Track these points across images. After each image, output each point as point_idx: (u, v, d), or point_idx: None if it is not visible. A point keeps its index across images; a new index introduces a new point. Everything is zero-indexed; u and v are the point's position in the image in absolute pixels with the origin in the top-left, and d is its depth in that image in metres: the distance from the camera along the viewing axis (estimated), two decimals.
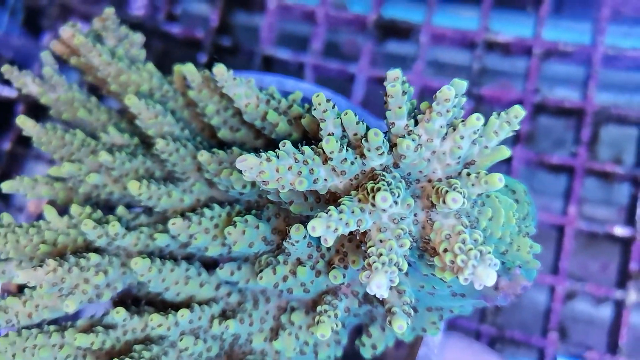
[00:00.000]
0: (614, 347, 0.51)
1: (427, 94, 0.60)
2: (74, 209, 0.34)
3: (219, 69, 0.32)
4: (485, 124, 0.29)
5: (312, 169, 0.27)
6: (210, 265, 0.36)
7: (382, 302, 0.32)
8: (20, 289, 0.39)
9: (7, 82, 0.61)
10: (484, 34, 0.60)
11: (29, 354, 0.33)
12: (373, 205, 0.26)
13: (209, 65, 0.61)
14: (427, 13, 0.61)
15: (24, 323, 0.34)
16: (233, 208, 0.34)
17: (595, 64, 0.58)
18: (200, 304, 0.33)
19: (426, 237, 0.28)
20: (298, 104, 0.34)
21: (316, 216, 0.25)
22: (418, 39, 0.61)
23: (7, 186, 0.37)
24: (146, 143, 0.38)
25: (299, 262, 0.31)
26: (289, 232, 0.33)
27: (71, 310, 0.31)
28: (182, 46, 0.65)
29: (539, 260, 0.33)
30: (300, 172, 0.27)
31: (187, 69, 0.35)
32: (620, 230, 0.52)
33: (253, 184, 0.33)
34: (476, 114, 0.27)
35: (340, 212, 0.26)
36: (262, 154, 0.27)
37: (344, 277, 0.30)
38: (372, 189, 0.26)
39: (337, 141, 0.27)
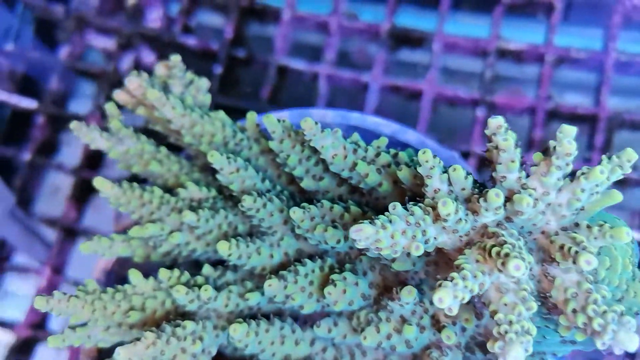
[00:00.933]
0: None
1: (439, 102, 0.60)
2: (162, 273, 0.33)
3: (308, 123, 0.31)
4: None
5: (425, 231, 0.26)
6: (296, 317, 0.35)
7: (487, 352, 0.31)
8: (99, 352, 0.38)
9: (26, 93, 0.62)
10: (496, 42, 0.59)
11: None
12: (500, 270, 0.24)
13: (223, 77, 0.60)
14: (439, 22, 0.60)
15: None
16: (324, 262, 0.32)
17: (607, 70, 0.57)
18: None
19: (545, 293, 0.26)
20: (384, 150, 0.33)
21: (440, 285, 0.24)
22: (431, 48, 0.60)
23: (85, 248, 0.35)
24: (224, 194, 0.36)
25: (403, 320, 0.30)
26: (385, 286, 0.32)
27: None
28: (198, 58, 0.64)
29: None
30: (415, 236, 0.26)
31: (269, 120, 0.33)
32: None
33: (346, 237, 0.32)
34: (599, 167, 0.26)
35: (464, 278, 0.24)
36: (377, 221, 0.25)
37: (456, 335, 0.29)
38: (498, 253, 0.24)
39: (453, 203, 0.25)
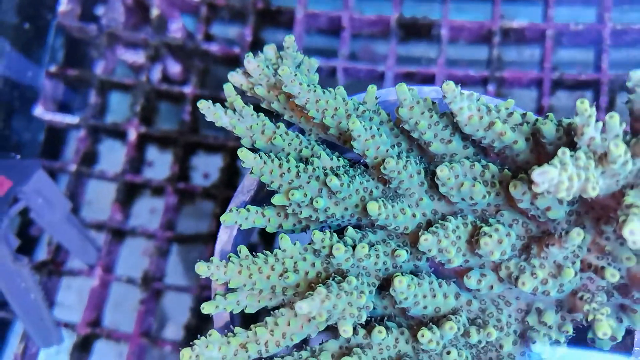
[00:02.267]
0: None
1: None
2: (317, 235, 0.34)
3: (449, 86, 0.32)
4: None
5: (591, 174, 0.27)
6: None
7: (627, 294, 0.33)
8: (232, 319, 0.39)
9: (66, 110, 0.66)
10: (500, 21, 0.63)
11: None
12: None
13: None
14: (444, 9, 0.64)
15: (272, 351, 0.34)
16: (466, 219, 0.34)
17: (605, 39, 0.61)
18: (445, 315, 0.33)
19: None
20: (523, 114, 0.34)
21: (629, 219, 0.25)
22: (439, 33, 0.63)
23: (227, 218, 0.36)
24: (354, 164, 0.37)
25: (559, 265, 0.31)
26: (530, 237, 0.33)
27: (349, 335, 0.31)
28: (221, 63, 0.67)
29: None
30: (588, 179, 0.27)
31: (401, 89, 0.35)
32: None
33: (489, 193, 0.33)
34: None
35: (636, 206, 0.26)
36: (557, 164, 0.26)
37: (615, 277, 0.30)
38: None
39: (624, 144, 0.27)
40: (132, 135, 0.64)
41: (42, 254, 0.65)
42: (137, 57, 0.67)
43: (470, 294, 0.34)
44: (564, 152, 0.28)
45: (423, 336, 0.31)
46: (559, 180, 0.26)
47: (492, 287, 0.33)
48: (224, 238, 0.40)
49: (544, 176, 0.26)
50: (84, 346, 0.59)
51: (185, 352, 0.32)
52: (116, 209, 0.63)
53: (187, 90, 0.65)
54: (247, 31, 0.65)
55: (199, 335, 0.33)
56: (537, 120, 0.34)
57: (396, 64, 0.63)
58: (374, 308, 0.35)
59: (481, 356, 0.34)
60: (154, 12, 0.65)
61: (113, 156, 0.69)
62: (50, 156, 0.66)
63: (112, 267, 0.62)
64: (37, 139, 0.66)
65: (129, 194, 0.65)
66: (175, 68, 0.67)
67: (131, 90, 0.65)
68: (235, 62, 0.65)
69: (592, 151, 0.28)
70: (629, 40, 0.63)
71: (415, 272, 0.35)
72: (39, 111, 0.65)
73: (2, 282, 0.55)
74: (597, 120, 0.28)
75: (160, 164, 0.68)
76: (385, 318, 0.35)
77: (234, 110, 0.39)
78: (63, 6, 0.66)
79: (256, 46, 0.66)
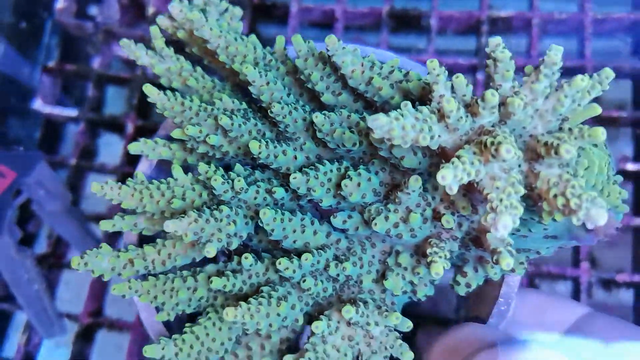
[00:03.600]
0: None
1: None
2: (201, 167, 0.36)
3: (332, 39, 0.34)
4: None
5: (430, 127, 0.29)
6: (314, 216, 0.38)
7: (480, 245, 0.35)
8: (140, 241, 0.42)
9: (64, 105, 0.68)
10: (488, 11, 0.64)
11: (167, 296, 0.36)
12: (494, 157, 0.28)
13: None
14: (434, 0, 0.66)
15: (158, 270, 0.37)
16: (341, 164, 0.36)
17: (587, 27, 0.63)
18: (316, 249, 0.36)
19: (531, 186, 0.30)
20: (397, 69, 0.36)
21: (443, 167, 0.27)
22: (429, 23, 0.65)
23: (133, 147, 0.39)
24: (253, 108, 0.40)
25: (409, 210, 0.33)
26: (394, 185, 0.35)
27: (212, 255, 0.34)
28: None
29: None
30: (422, 130, 0.29)
31: (296, 40, 0.37)
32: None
33: (361, 142, 0.35)
34: (580, 76, 0.29)
35: (463, 162, 0.28)
36: (391, 114, 0.28)
37: (454, 223, 0.32)
38: (492, 142, 0.28)
39: (456, 102, 0.29)
40: (130, 128, 0.65)
41: (40, 249, 0.67)
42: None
43: (342, 234, 0.37)
44: (405, 105, 0.30)
45: (280, 264, 0.34)
46: (390, 127, 0.28)
47: (357, 228, 0.36)
48: (142, 169, 0.43)
49: (375, 123, 0.28)
50: (86, 336, 0.61)
51: (75, 259, 0.35)
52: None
53: None
54: (244, 24, 0.66)
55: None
56: (417, 79, 0.36)
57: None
58: (251, 240, 0.38)
59: (344, 290, 0.37)
60: (150, 9, 0.67)
61: (111, 149, 0.70)
62: (49, 150, 0.68)
63: None
64: (34, 135, 0.67)
65: None
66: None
67: (127, 84, 0.67)
68: None
69: (437, 109, 0.30)
70: (608, 29, 0.64)
71: (293, 209, 0.37)
72: (37, 104, 0.67)
73: (6, 273, 0.57)
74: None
75: None
76: (261, 250, 0.38)
77: (154, 50, 0.41)
78: (60, 4, 0.68)
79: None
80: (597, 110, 0.31)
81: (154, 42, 0.41)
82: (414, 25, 0.66)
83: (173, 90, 0.41)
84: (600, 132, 0.28)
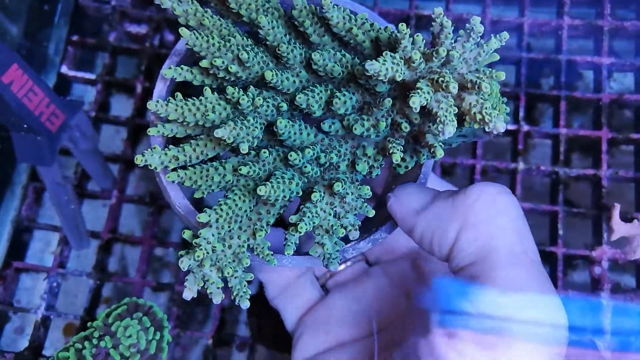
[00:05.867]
0: None
1: None
2: (229, 90, 0.48)
3: (326, 1, 0.47)
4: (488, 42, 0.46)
5: (401, 68, 0.44)
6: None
7: (418, 142, 0.51)
8: (166, 143, 0.54)
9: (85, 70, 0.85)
10: (415, 10, 0.84)
11: (204, 180, 0.49)
12: (442, 89, 0.43)
13: None
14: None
15: (194, 161, 0.50)
16: (327, 87, 0.50)
17: (486, 26, 0.81)
18: (307, 146, 0.50)
19: (459, 107, 0.46)
20: (366, 20, 0.50)
21: (412, 95, 0.43)
22: None
23: (167, 72, 0.50)
24: (261, 45, 0.52)
25: (378, 120, 0.49)
26: (365, 102, 0.50)
27: (245, 151, 0.47)
28: None
29: None
30: (397, 70, 0.44)
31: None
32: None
33: (342, 72, 0.49)
34: (494, 37, 0.45)
35: (421, 89, 0.43)
36: (380, 59, 0.43)
37: (407, 129, 0.48)
38: (442, 80, 0.43)
39: (419, 53, 0.44)
40: (139, 88, 0.81)
41: (34, 258, 0.81)
42: (141, 29, 0.85)
43: (324, 135, 0.52)
44: (386, 53, 0.44)
45: (291, 156, 0.48)
46: (379, 69, 0.43)
47: (337, 131, 0.51)
48: (160, 87, 0.54)
49: (371, 66, 0.42)
50: (106, 248, 0.76)
51: (137, 157, 0.47)
52: (127, 145, 0.80)
53: None
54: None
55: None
56: (379, 29, 0.50)
57: None
58: (262, 140, 0.51)
59: (326, 173, 0.52)
60: None
61: (123, 105, 0.87)
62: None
63: (124, 189, 0.78)
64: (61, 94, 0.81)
65: (136, 133, 0.81)
66: (170, 37, 0.85)
67: (137, 54, 0.83)
68: None
69: (404, 55, 0.45)
70: (501, 28, 0.82)
71: (291, 119, 0.51)
72: (64, 69, 0.82)
73: (51, 194, 0.69)
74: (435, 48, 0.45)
75: None
76: (269, 146, 0.52)
77: None
78: None
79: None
80: (496, 57, 0.48)
81: None
82: None
83: (189, 27, 0.52)
84: (502, 75, 0.45)
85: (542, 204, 0.71)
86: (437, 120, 0.44)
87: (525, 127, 0.77)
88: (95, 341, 0.50)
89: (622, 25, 0.77)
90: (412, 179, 0.57)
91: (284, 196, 0.48)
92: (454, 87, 0.43)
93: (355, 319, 0.57)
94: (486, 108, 0.44)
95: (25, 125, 0.63)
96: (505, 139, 0.81)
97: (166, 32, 0.85)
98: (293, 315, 0.59)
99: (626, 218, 0.69)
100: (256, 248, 0.51)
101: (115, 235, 0.76)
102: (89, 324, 0.53)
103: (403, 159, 0.53)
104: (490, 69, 0.46)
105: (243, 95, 0.48)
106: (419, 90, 0.43)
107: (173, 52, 0.55)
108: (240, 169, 0.48)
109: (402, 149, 0.48)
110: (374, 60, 0.43)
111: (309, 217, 0.49)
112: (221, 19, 0.53)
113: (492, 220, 0.42)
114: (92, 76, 0.83)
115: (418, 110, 0.43)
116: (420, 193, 0.50)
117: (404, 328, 0.54)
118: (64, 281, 0.75)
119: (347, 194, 0.50)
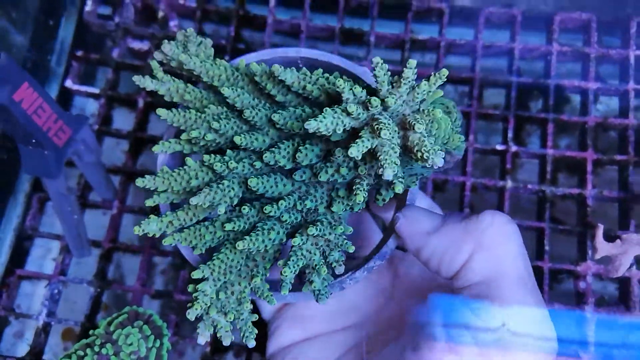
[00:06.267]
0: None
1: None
2: (205, 157, 0.54)
3: (277, 68, 0.52)
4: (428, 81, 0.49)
5: (342, 120, 0.48)
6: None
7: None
8: (172, 207, 0.60)
9: (88, 84, 0.90)
10: (410, 34, 0.86)
11: (198, 239, 0.55)
12: (379, 135, 0.47)
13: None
14: (372, 24, 0.87)
15: (188, 224, 0.56)
16: (294, 141, 0.55)
17: (478, 51, 0.84)
18: (285, 195, 0.55)
19: (405, 145, 0.49)
20: (321, 76, 0.54)
21: (351, 146, 0.46)
22: (369, 39, 0.86)
23: (157, 148, 0.57)
24: (233, 112, 0.58)
25: (339, 165, 0.53)
26: (327, 150, 0.54)
27: (222, 212, 0.53)
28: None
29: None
30: (337, 124, 0.48)
31: (253, 67, 0.54)
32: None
33: (302, 127, 0.54)
34: (424, 81, 0.48)
35: (363, 139, 0.47)
36: (319, 117, 0.47)
37: (365, 169, 0.52)
38: (378, 127, 0.47)
39: (355, 105, 0.48)
40: (141, 103, 0.85)
41: (34, 265, 0.85)
42: (143, 46, 0.89)
43: (301, 183, 0.56)
44: (325, 110, 0.48)
45: (266, 209, 0.53)
46: (317, 126, 0.47)
47: (310, 178, 0.55)
48: (161, 159, 0.61)
49: (309, 125, 0.47)
50: (106, 257, 0.80)
51: (135, 228, 0.54)
52: (129, 157, 0.84)
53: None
54: (231, 30, 0.87)
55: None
56: (333, 83, 0.54)
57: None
58: (244, 196, 0.57)
59: (308, 216, 0.56)
60: (160, 14, 0.88)
61: (125, 119, 0.90)
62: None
63: (125, 200, 0.83)
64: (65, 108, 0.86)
65: (137, 146, 0.85)
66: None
67: (139, 70, 0.87)
68: (223, 51, 0.87)
69: (345, 107, 0.49)
70: (492, 52, 0.86)
71: (268, 173, 0.56)
72: (68, 83, 0.86)
73: (56, 204, 0.73)
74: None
75: (162, 124, 0.92)
76: (253, 200, 0.57)
77: (157, 78, 0.58)
78: (88, 7, 0.88)
79: (237, 41, 0.88)
80: (440, 92, 0.50)
81: (155, 72, 0.58)
82: (358, 40, 0.88)
83: (174, 105, 0.59)
84: (438, 113, 0.48)
85: (529, 221, 0.72)
86: (379, 164, 0.47)
87: (514, 148, 0.78)
88: (97, 348, 0.53)
89: (607, 52, 0.80)
90: (403, 204, 0.60)
91: (266, 245, 0.53)
92: (384, 134, 0.46)
93: (333, 315, 0.62)
94: (425, 146, 0.47)
95: (33, 140, 0.63)
96: (494, 157, 0.82)
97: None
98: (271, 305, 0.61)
99: (610, 236, 0.71)
100: (257, 291, 0.56)
101: (115, 245, 0.76)
102: (90, 331, 0.56)
103: (380, 194, 0.56)
104: (430, 107, 0.49)
105: (217, 161, 0.54)
106: (358, 140, 0.47)
107: (166, 131, 0.62)
108: (225, 227, 0.54)
109: (365, 189, 0.52)
110: (311, 119, 0.47)
111: (293, 260, 0.54)
112: (202, 91, 0.59)
113: (503, 246, 0.46)
114: (96, 90, 0.83)
115: (360, 157, 0.47)
116: (430, 216, 0.54)
117: (386, 334, 0.57)
118: (65, 288, 0.76)
119: (325, 234, 0.55)
